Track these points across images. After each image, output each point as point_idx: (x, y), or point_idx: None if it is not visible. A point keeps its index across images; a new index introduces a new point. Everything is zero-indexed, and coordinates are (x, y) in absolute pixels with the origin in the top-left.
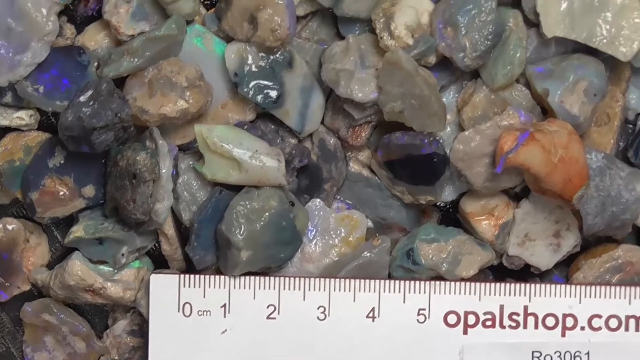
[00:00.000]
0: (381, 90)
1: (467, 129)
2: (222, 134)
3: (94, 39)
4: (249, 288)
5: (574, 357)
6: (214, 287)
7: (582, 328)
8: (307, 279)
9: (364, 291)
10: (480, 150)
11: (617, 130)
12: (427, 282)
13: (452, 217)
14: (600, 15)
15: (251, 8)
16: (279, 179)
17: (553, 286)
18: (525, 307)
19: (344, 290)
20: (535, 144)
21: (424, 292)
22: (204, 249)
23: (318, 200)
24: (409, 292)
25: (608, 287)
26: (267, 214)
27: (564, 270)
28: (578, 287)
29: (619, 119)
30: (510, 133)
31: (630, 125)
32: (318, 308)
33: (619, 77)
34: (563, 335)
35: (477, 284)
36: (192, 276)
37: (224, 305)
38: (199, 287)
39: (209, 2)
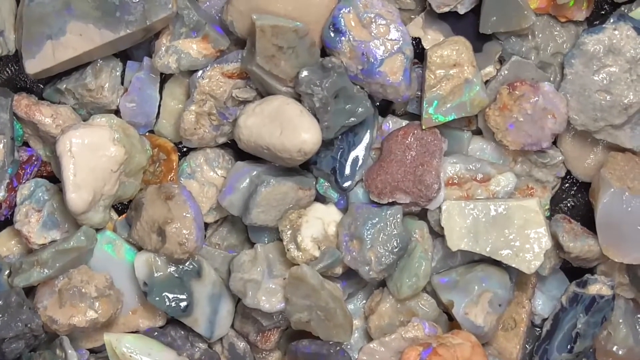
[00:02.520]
0: (288, 301)
1: (373, 337)
2: (130, 344)
3: (6, 245)
4: None
5: None
6: None
7: None
8: None
9: None
10: None
11: (523, 335)
12: None
13: None
14: (505, 229)
15: (159, 221)
16: None
17: None
18: None
19: None
20: (438, 359)
21: None
22: None
23: None
24: None
25: None
26: None
27: None
28: None
29: (525, 324)
30: (413, 348)
31: (538, 329)
32: None
33: (525, 283)
34: None
35: None
36: None
37: None
38: None
39: (120, 206)
